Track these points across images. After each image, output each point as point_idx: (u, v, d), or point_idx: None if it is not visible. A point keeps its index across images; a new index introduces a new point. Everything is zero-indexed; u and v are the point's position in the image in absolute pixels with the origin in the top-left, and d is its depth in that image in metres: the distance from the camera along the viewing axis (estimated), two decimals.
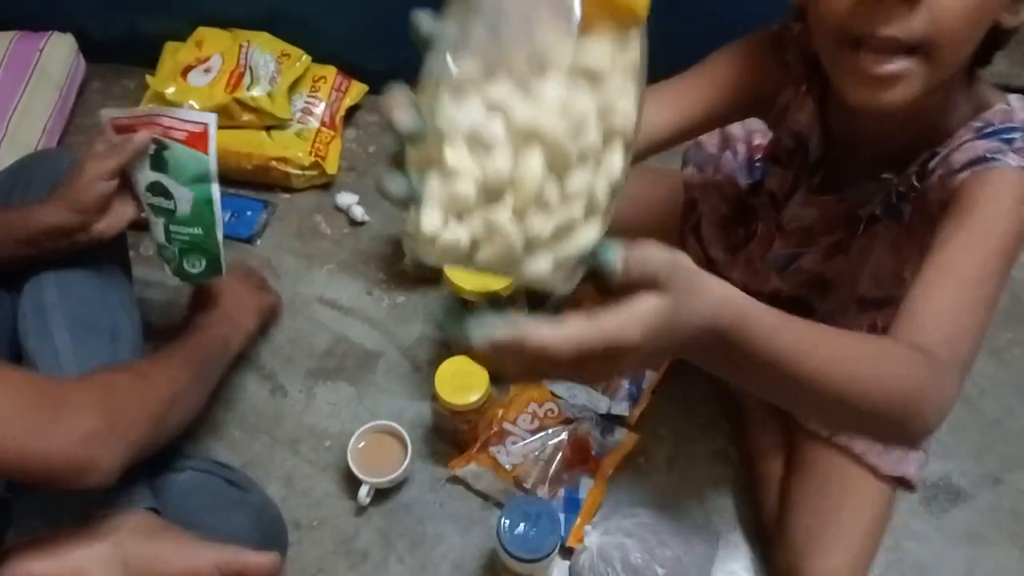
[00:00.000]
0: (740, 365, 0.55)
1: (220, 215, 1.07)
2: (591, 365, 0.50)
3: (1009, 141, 0.80)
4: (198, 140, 1.02)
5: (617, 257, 0.50)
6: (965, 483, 1.23)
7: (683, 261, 0.51)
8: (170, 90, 1.44)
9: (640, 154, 0.87)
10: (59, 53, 1.56)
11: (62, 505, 0.90)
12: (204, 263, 1.10)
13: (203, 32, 1.52)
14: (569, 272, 0.51)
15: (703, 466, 1.23)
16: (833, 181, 0.95)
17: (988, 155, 0.79)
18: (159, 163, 1.03)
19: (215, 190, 1.05)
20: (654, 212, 1.21)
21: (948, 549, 1.18)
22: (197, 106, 1.42)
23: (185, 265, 1.10)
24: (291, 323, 1.35)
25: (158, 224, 1.07)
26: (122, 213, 1.04)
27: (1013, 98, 0.84)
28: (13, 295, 1.04)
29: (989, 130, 0.81)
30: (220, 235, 1.08)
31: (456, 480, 1.20)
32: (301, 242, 1.44)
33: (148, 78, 1.48)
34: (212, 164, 1.03)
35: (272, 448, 1.23)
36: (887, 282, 0.98)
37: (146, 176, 1.04)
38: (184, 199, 1.05)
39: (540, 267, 0.50)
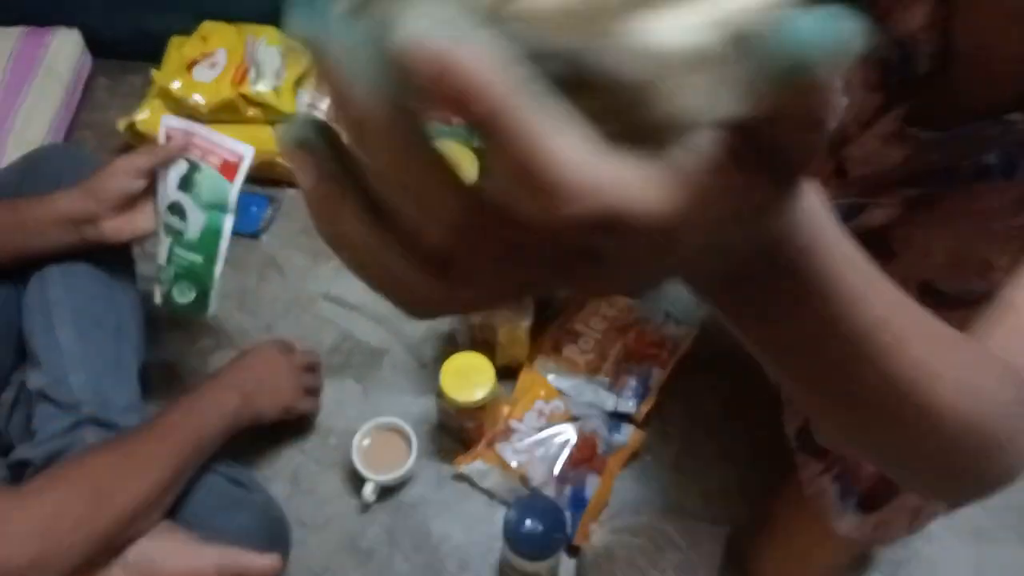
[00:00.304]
0: (790, 317, 0.33)
1: (224, 251, 1.07)
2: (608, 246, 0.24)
3: None
4: (229, 169, 1.04)
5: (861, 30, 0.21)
6: None
7: None
8: (176, 85, 1.43)
9: None
10: (65, 49, 1.55)
11: None
12: (193, 295, 1.10)
13: (208, 27, 1.52)
14: (738, 68, 0.22)
15: (710, 465, 1.23)
16: (931, 116, 0.70)
17: None
18: (186, 183, 1.05)
19: (227, 223, 1.07)
20: None
21: (957, 546, 1.18)
22: (203, 101, 1.42)
23: (175, 291, 1.10)
24: (297, 320, 1.35)
25: (165, 243, 1.08)
26: (138, 221, 1.03)
27: None
28: (19, 287, 1.04)
29: None
30: (218, 271, 1.08)
31: (462, 478, 1.19)
32: (307, 238, 1.44)
33: (154, 73, 1.47)
34: (233, 195, 1.05)
35: (277, 446, 1.23)
36: (971, 270, 0.71)
37: (171, 194, 1.05)
38: (196, 223, 1.06)
39: (674, 33, 0.21)
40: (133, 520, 0.86)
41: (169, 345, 1.31)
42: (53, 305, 1.01)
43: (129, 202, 1.01)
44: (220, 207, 1.05)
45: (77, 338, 1.01)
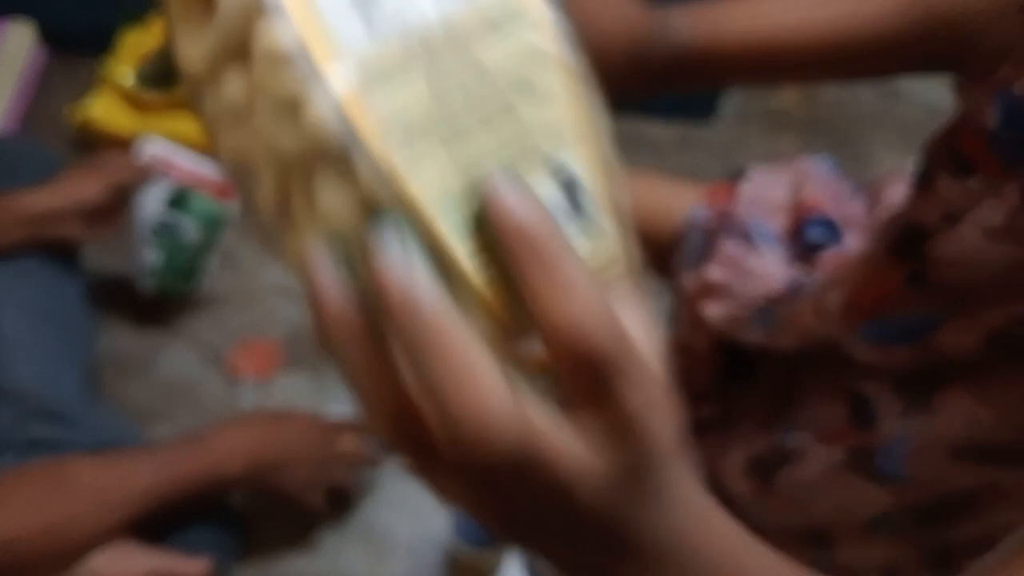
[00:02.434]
0: None
1: (219, 241, 1.25)
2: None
3: None
4: (226, 192, 1.19)
5: None
6: None
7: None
8: (127, 77, 1.43)
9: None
10: (18, 41, 1.55)
11: None
12: (188, 281, 1.27)
13: (160, 20, 1.51)
14: None
15: None
16: None
17: None
18: (179, 204, 1.19)
19: (224, 223, 1.23)
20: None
21: None
22: (155, 94, 1.42)
23: (171, 281, 1.26)
24: (249, 312, 1.35)
25: (153, 253, 1.21)
26: (101, 228, 1.09)
27: None
28: None
29: None
30: (212, 258, 1.26)
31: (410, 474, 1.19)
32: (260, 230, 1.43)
33: (107, 65, 1.47)
34: (232, 210, 1.21)
35: None
36: None
37: (159, 214, 1.18)
38: (193, 232, 1.21)
39: None
40: (78, 553, 0.85)
41: (119, 338, 1.30)
42: (3, 300, 1.01)
43: (96, 210, 1.07)
44: (220, 220, 1.21)
45: (24, 330, 1.01)
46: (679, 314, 0.75)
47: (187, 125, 1.41)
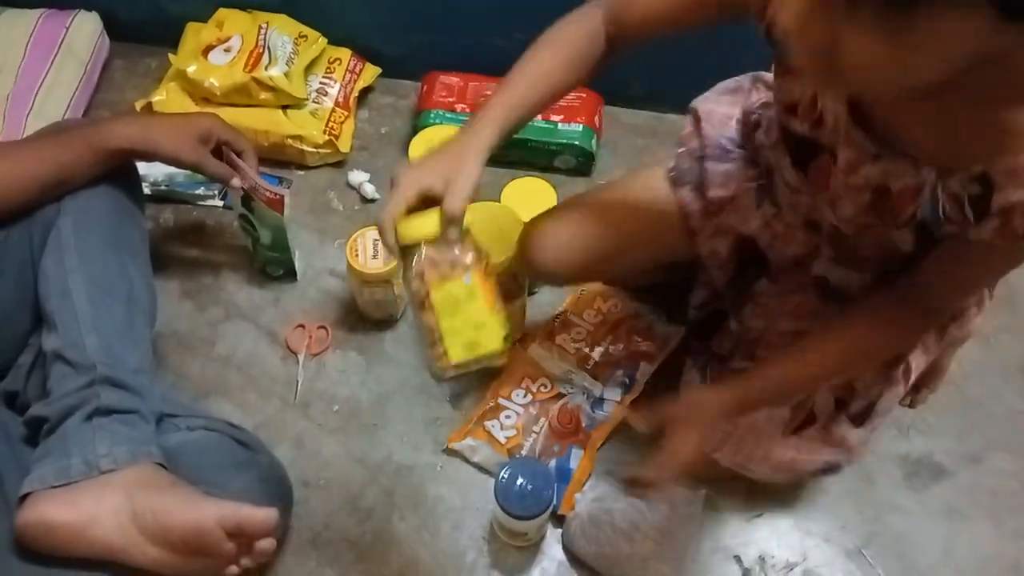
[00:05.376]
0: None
1: (292, 244, 1.36)
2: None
3: None
4: (275, 204, 1.27)
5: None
6: (947, 461, 1.28)
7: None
8: (191, 68, 1.49)
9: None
10: (85, 30, 1.61)
11: (69, 451, 0.96)
12: (281, 271, 1.41)
13: (224, 13, 1.57)
14: None
15: None
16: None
17: None
18: (246, 204, 1.30)
19: (288, 231, 1.32)
20: (648, 230, 1.12)
21: (928, 523, 1.23)
22: (217, 84, 1.48)
23: (268, 268, 1.41)
24: (303, 293, 1.41)
25: (248, 241, 1.38)
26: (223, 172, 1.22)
27: None
28: (35, 254, 1.08)
29: None
30: (295, 255, 1.39)
31: (454, 453, 1.25)
32: (314, 217, 1.49)
33: (170, 56, 1.53)
34: (284, 220, 1.30)
35: (284, 411, 1.29)
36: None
37: (239, 207, 1.32)
38: (265, 235, 1.33)
39: None
40: (34, 186, 1.06)
41: (181, 315, 1.37)
42: (69, 273, 1.05)
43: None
44: (278, 226, 1.31)
45: (91, 304, 1.05)
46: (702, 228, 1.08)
47: (246, 118, 1.47)
